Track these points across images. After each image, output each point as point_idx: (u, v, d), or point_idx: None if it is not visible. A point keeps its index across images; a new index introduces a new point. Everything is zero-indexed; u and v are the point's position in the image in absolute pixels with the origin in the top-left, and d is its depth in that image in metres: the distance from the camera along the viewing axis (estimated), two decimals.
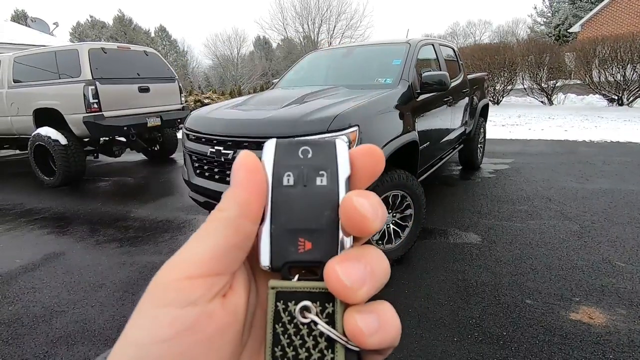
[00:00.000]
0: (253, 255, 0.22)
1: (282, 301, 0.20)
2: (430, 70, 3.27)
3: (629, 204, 3.42)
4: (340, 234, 0.20)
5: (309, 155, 0.22)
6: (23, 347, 1.93)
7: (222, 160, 2.24)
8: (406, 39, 3.33)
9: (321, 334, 0.20)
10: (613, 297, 2.08)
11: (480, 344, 1.80)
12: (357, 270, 0.19)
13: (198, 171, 2.48)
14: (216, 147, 2.26)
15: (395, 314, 0.21)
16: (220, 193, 2.05)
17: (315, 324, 0.20)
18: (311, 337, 0.20)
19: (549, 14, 33.43)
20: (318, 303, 0.20)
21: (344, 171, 0.21)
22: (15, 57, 5.33)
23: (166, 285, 0.19)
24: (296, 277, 0.21)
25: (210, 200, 2.44)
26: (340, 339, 0.20)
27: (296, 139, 0.22)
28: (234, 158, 2.20)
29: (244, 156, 0.22)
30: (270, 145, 0.22)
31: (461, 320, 1.97)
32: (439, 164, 3.64)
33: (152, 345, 0.18)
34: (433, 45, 3.60)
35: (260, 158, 0.22)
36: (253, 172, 0.21)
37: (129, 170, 6.05)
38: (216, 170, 2.34)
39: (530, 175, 4.51)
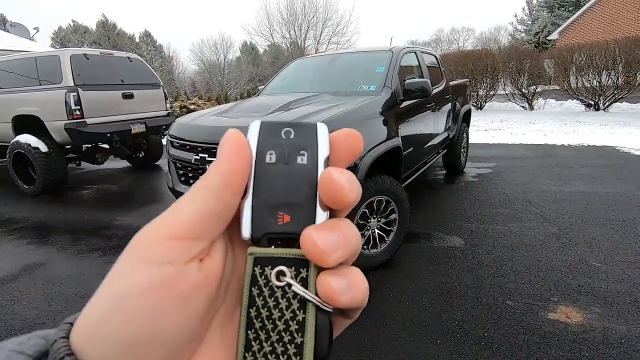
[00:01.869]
0: (233, 226, 0.23)
1: (259, 266, 0.22)
2: (413, 78, 3.34)
3: (604, 206, 3.55)
4: (318, 208, 0.22)
5: (291, 136, 0.23)
6: None
7: (207, 167, 2.24)
8: (389, 47, 3.40)
9: (294, 296, 0.21)
10: (589, 297, 2.16)
11: (462, 346, 1.83)
12: (331, 236, 0.21)
13: (183, 178, 2.47)
14: (201, 155, 2.26)
15: (363, 277, 0.23)
16: None
17: (290, 286, 0.21)
18: (285, 299, 0.21)
19: (529, 22, 34.51)
20: (293, 268, 0.22)
21: (323, 151, 0.23)
22: None
23: (146, 243, 0.20)
24: (272, 247, 0.22)
25: None
26: (314, 299, 0.21)
27: (280, 120, 0.24)
28: None
29: (231, 132, 0.23)
30: (255, 125, 0.24)
31: (444, 323, 2.01)
32: (423, 169, 3.71)
33: (126, 295, 0.19)
34: (415, 52, 3.68)
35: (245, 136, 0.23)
36: (238, 147, 0.22)
37: (112, 177, 5.95)
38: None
39: (511, 179, 4.64)
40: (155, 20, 68.47)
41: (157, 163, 6.61)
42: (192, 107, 10.22)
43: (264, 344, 0.21)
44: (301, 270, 0.22)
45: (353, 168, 2.22)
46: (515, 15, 41.57)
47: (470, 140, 6.60)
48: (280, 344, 0.21)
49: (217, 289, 0.22)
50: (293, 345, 0.21)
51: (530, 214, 3.44)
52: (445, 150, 4.54)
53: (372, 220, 2.52)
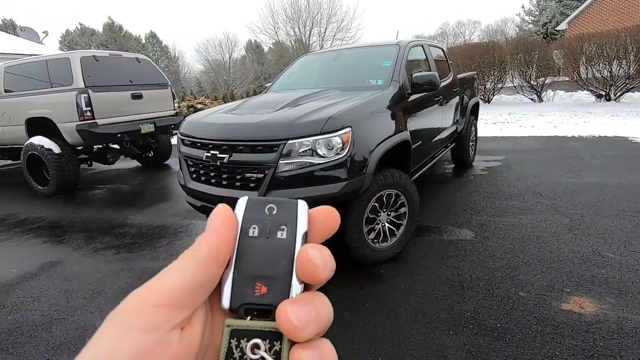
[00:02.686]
0: (213, 294, 0.24)
1: (235, 338, 0.23)
2: (420, 71, 3.33)
3: (617, 197, 3.50)
4: (294, 282, 0.23)
5: (274, 212, 0.25)
6: (24, 355, 1.94)
7: (218, 164, 2.27)
8: (396, 41, 3.39)
9: None
10: (602, 287, 2.15)
11: (475, 336, 1.84)
12: (305, 312, 0.22)
13: (194, 175, 2.51)
14: (212, 152, 2.29)
15: (333, 348, 0.24)
16: (217, 197, 2.06)
17: (264, 359, 0.23)
18: None
19: (537, 13, 33.93)
20: (267, 341, 0.23)
21: (302, 227, 0.24)
22: (5, 67, 5.31)
23: (132, 309, 0.21)
24: (249, 318, 0.24)
25: (206, 204, 2.47)
26: None
27: (264, 197, 0.26)
28: (229, 161, 2.23)
29: (222, 208, 0.25)
30: (242, 202, 0.26)
31: (457, 314, 2.02)
32: (432, 163, 3.70)
33: None
34: (422, 46, 3.67)
35: (233, 210, 0.26)
36: (227, 222, 0.24)
37: (123, 177, 6.04)
38: (212, 174, 2.37)
39: (521, 171, 4.60)
40: (160, 21, 68.85)
41: (166, 162, 6.69)
42: (199, 106, 10.29)
43: None
44: (275, 343, 0.23)
45: (362, 163, 2.23)
46: (523, 6, 40.87)
47: (479, 134, 6.55)
48: None
49: (195, 358, 0.23)
50: None
51: (541, 206, 3.41)
52: (454, 144, 4.51)
53: (382, 214, 2.53)
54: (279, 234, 0.24)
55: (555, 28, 25.46)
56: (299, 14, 29.29)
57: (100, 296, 2.46)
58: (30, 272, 2.85)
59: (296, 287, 0.23)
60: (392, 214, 2.61)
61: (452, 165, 5.13)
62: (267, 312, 0.23)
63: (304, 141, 2.10)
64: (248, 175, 2.20)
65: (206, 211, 2.56)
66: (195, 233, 3.40)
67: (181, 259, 0.23)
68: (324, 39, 29.91)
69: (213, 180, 2.37)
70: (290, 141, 2.09)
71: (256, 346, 0.23)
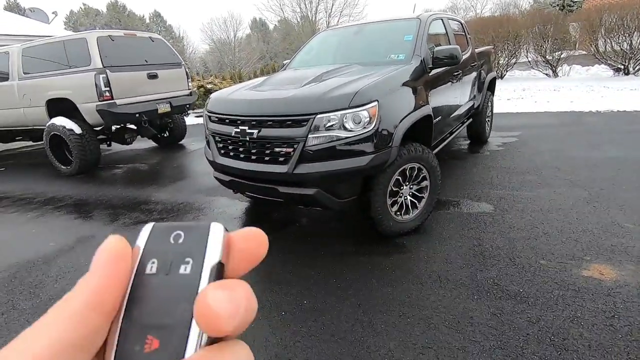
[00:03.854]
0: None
1: None
2: (440, 45, 3.31)
3: (637, 171, 3.51)
4: (192, 333, 0.18)
5: (180, 240, 0.21)
6: None
7: (247, 139, 2.34)
8: (416, 15, 3.35)
9: None
10: (622, 255, 2.21)
11: (499, 300, 1.94)
12: None
13: (223, 151, 2.58)
14: (240, 127, 2.36)
15: None
16: (246, 171, 2.14)
17: None
18: None
19: None
20: None
21: (211, 258, 0.20)
22: (23, 49, 5.36)
23: None
24: None
25: (235, 179, 2.56)
26: None
27: (172, 223, 0.21)
28: (258, 137, 2.30)
29: (111, 241, 0.20)
30: (145, 230, 0.21)
31: (480, 281, 2.11)
32: (450, 138, 3.72)
33: None
34: (442, 19, 3.62)
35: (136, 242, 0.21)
36: (115, 258, 0.19)
37: (141, 157, 6.16)
38: (241, 149, 2.45)
39: (538, 147, 4.59)
40: (164, 0, 67.46)
41: (181, 142, 6.78)
42: (209, 86, 10.27)
43: None
44: None
45: (388, 136, 2.28)
46: None
47: (493, 110, 6.48)
48: None
49: None
50: None
51: (559, 180, 3.44)
52: (471, 120, 4.50)
53: (405, 187, 2.59)
54: (182, 269, 0.19)
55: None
56: None
57: None
58: (68, 245, 3.00)
59: (194, 340, 0.18)
60: (415, 187, 2.67)
61: (468, 142, 5.13)
62: None
63: (331, 115, 2.15)
64: (277, 149, 2.27)
65: (234, 186, 2.66)
66: (219, 209, 3.52)
67: (50, 311, 0.18)
68: (330, 16, 29.19)
69: (242, 156, 2.45)
70: (319, 115, 2.14)
71: None
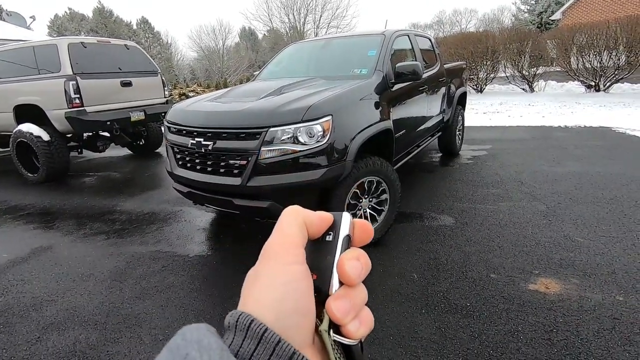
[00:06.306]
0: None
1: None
2: (405, 61, 3.38)
3: (594, 185, 3.62)
4: (334, 276, 0.29)
5: None
6: (15, 334, 2.02)
7: (203, 151, 2.33)
8: (381, 31, 3.43)
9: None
10: (569, 269, 2.27)
11: (445, 314, 1.95)
12: (345, 304, 0.28)
13: (180, 162, 2.56)
14: (196, 139, 2.35)
15: (371, 315, 0.30)
16: (202, 183, 2.13)
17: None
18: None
19: (532, 2, 33.73)
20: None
21: (343, 232, 0.31)
22: None
23: (278, 251, 0.28)
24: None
25: (192, 190, 2.54)
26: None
27: (335, 212, 0.32)
28: (214, 149, 2.29)
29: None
30: (345, 216, 0.32)
31: (430, 295, 2.13)
32: (417, 151, 3.78)
33: (291, 282, 0.27)
34: (408, 35, 3.71)
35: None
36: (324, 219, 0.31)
37: (114, 165, 6.06)
38: (197, 161, 2.43)
39: (505, 160, 4.70)
40: (152, 6, 67.32)
41: (157, 150, 6.70)
42: (191, 94, 10.23)
43: None
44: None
45: (343, 150, 2.31)
46: None
47: (469, 123, 6.64)
48: None
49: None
50: None
51: (521, 194, 3.53)
52: (440, 133, 4.59)
53: (364, 200, 2.61)
54: (327, 237, 0.31)
55: (550, 18, 25.40)
56: (293, 0, 28.88)
57: (90, 279, 2.53)
58: (21, 257, 2.91)
59: (335, 279, 0.29)
60: (374, 200, 2.69)
61: (440, 154, 5.23)
62: (318, 290, 0.29)
63: (285, 129, 2.16)
64: (232, 162, 2.26)
65: (192, 197, 2.63)
66: (184, 219, 3.47)
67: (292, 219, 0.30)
68: (318, 27, 29.59)
69: (198, 167, 2.43)
70: (272, 129, 2.15)
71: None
